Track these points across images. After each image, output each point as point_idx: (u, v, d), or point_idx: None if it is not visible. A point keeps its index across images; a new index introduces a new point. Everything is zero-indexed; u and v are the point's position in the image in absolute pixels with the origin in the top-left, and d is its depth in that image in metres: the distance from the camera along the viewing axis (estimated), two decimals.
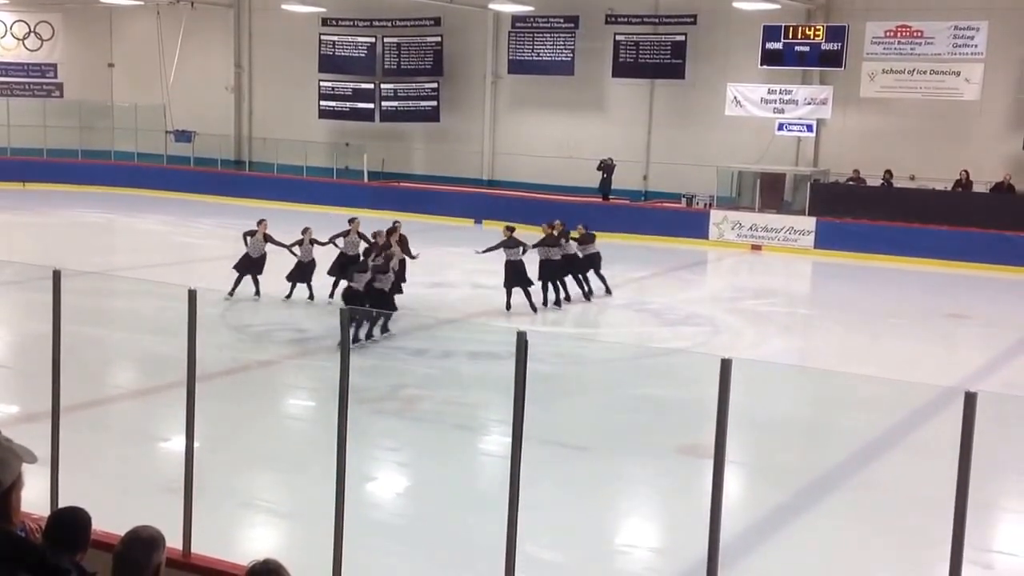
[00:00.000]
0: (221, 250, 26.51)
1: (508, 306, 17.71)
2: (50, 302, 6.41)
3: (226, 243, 27.38)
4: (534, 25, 31.20)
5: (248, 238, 17.94)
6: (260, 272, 17.82)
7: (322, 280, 17.79)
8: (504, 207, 28.38)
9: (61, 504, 5.17)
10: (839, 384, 13.56)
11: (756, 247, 26.79)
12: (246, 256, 17.89)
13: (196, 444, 6.18)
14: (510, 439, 5.14)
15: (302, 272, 17.65)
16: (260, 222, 18.11)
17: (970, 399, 4.30)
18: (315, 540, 6.42)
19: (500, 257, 17.86)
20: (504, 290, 17.76)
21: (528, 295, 17.74)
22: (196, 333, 6.03)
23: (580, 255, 18.84)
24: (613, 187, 29.44)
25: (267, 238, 17.84)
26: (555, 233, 18.47)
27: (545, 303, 18.12)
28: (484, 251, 17.95)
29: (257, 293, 17.84)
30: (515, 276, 17.72)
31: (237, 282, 17.71)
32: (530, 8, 30.30)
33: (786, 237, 26.50)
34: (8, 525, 3.72)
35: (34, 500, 5.11)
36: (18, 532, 3.86)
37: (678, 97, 30.40)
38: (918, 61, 26.46)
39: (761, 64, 28.00)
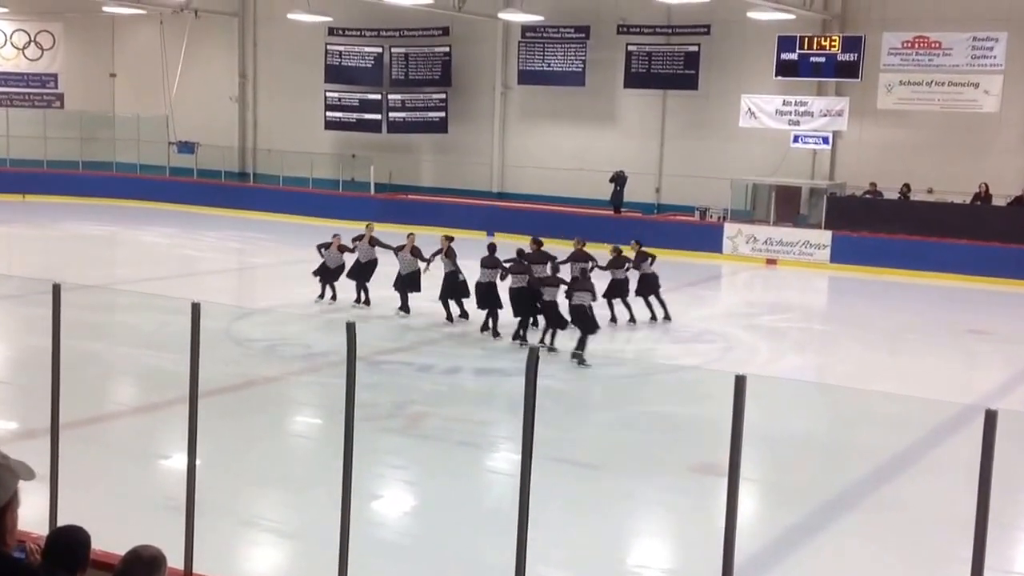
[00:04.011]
0: (225, 263, 26.52)
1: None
2: (50, 316, 6.37)
3: (230, 256, 27.41)
4: (544, 35, 31.05)
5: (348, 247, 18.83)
6: (367, 279, 18.60)
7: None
8: (515, 219, 28.19)
9: (60, 523, 5.17)
10: (856, 401, 13.53)
11: (771, 261, 26.60)
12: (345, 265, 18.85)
13: (198, 461, 6.19)
14: (518, 456, 5.12)
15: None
16: (357, 236, 19.00)
17: (990, 417, 4.27)
18: (320, 559, 6.36)
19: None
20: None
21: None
22: (199, 348, 5.94)
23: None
24: (625, 200, 29.26)
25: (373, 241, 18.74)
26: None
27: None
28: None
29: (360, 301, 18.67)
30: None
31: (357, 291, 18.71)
32: (540, 18, 30.05)
33: (802, 251, 26.30)
34: (2, 547, 3.66)
35: (33, 518, 4.98)
36: (15, 553, 3.80)
37: (691, 108, 30.22)
38: (936, 72, 26.22)
39: (776, 75, 27.82)
